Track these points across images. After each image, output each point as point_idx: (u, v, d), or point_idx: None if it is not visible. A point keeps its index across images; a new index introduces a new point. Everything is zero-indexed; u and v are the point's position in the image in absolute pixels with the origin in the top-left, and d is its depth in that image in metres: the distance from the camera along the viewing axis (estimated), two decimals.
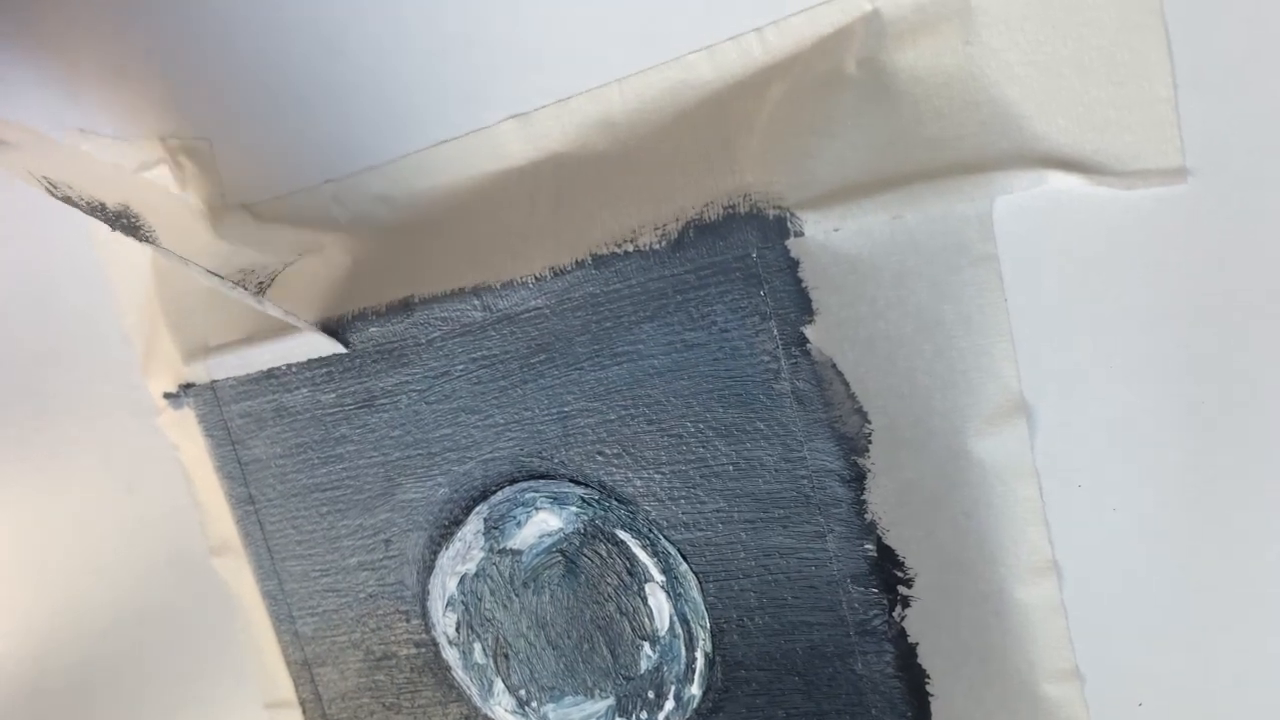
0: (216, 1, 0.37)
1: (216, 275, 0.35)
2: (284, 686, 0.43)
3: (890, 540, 0.31)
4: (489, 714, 0.39)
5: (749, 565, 0.33)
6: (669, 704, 0.36)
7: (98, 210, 0.32)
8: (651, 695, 0.36)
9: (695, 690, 0.35)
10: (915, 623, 0.32)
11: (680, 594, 0.35)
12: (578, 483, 0.35)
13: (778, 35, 0.31)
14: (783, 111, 0.31)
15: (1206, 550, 0.30)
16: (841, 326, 0.30)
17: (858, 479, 0.31)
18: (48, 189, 0.31)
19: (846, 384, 0.31)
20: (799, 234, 0.30)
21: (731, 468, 0.33)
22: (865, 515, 0.31)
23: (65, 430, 0.45)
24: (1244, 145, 0.27)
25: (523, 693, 0.38)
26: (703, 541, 0.34)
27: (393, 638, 0.40)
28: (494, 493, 0.37)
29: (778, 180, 0.30)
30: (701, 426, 0.33)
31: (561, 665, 0.37)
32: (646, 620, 0.35)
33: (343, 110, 0.37)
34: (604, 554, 0.36)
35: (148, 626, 0.46)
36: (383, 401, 0.37)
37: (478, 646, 0.38)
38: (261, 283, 0.37)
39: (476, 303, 0.35)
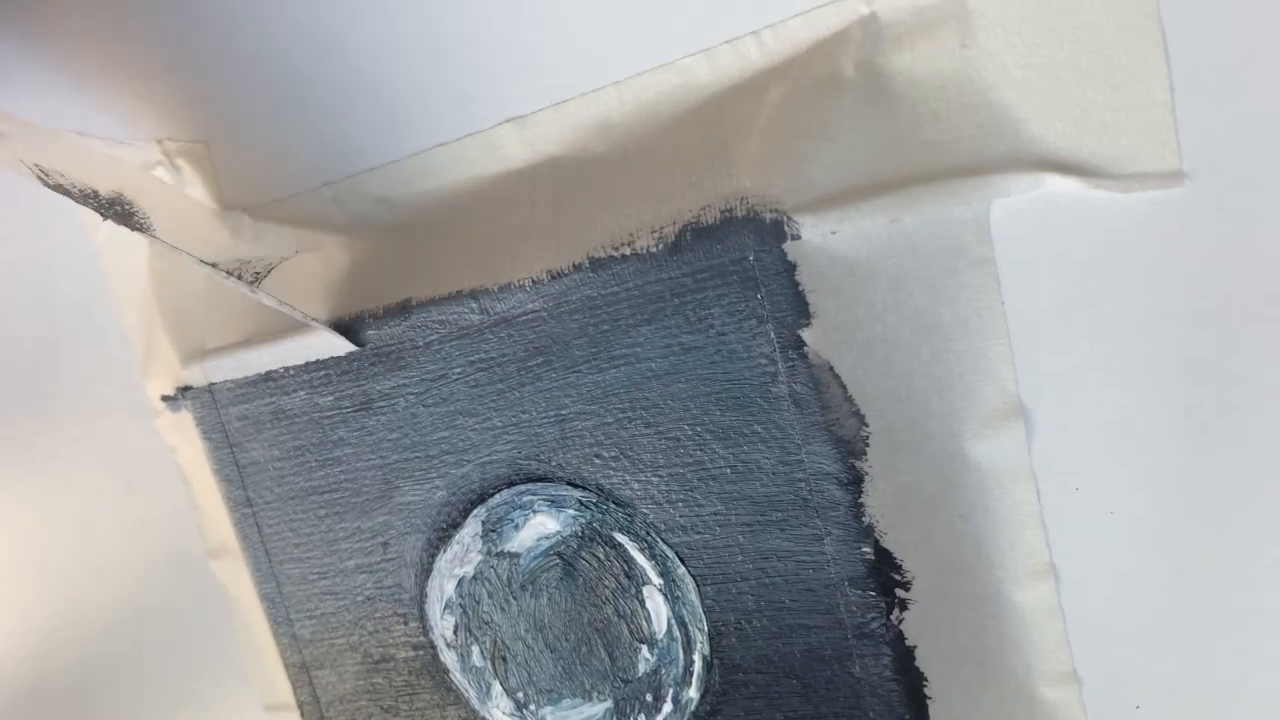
0: (214, 4, 0.37)
1: (211, 265, 0.34)
2: (283, 689, 0.43)
3: (888, 543, 0.31)
4: (487, 717, 0.39)
5: (747, 568, 0.33)
6: (667, 707, 0.36)
7: (90, 198, 0.31)
8: (649, 698, 0.36)
9: (693, 693, 0.35)
10: (913, 626, 0.32)
11: (678, 597, 0.35)
12: (575, 485, 0.35)
13: (775, 39, 0.31)
14: (780, 115, 0.31)
15: (1204, 553, 0.30)
16: (839, 329, 0.30)
17: (855, 482, 0.31)
18: (39, 177, 0.30)
19: (844, 387, 0.31)
20: (796, 237, 0.30)
21: (729, 470, 0.33)
22: (863, 518, 0.31)
23: (65, 430, 0.45)
24: (1240, 148, 0.27)
25: (520, 695, 0.38)
26: (700, 544, 0.34)
27: (391, 640, 0.40)
28: (492, 495, 0.37)
29: (775, 183, 0.30)
30: (699, 429, 0.33)
31: (559, 668, 0.37)
32: (644, 623, 0.35)
33: (341, 113, 0.37)
34: (602, 557, 0.36)
35: (148, 627, 0.46)
36: (380, 404, 0.37)
37: (475, 649, 0.38)
38: (258, 273, 0.36)
39: (474, 305, 0.35)
